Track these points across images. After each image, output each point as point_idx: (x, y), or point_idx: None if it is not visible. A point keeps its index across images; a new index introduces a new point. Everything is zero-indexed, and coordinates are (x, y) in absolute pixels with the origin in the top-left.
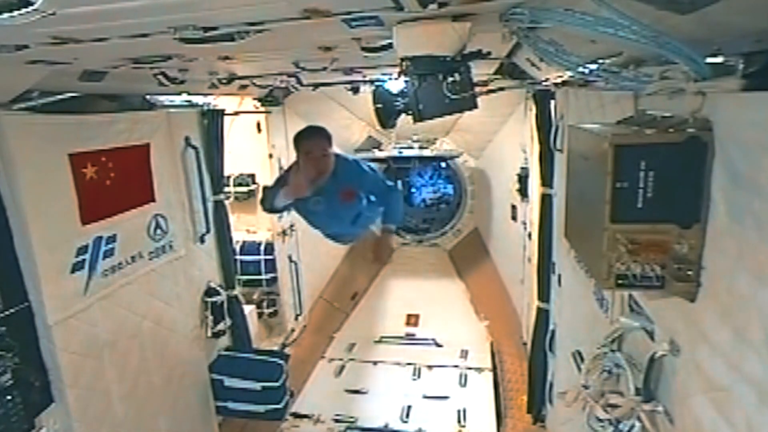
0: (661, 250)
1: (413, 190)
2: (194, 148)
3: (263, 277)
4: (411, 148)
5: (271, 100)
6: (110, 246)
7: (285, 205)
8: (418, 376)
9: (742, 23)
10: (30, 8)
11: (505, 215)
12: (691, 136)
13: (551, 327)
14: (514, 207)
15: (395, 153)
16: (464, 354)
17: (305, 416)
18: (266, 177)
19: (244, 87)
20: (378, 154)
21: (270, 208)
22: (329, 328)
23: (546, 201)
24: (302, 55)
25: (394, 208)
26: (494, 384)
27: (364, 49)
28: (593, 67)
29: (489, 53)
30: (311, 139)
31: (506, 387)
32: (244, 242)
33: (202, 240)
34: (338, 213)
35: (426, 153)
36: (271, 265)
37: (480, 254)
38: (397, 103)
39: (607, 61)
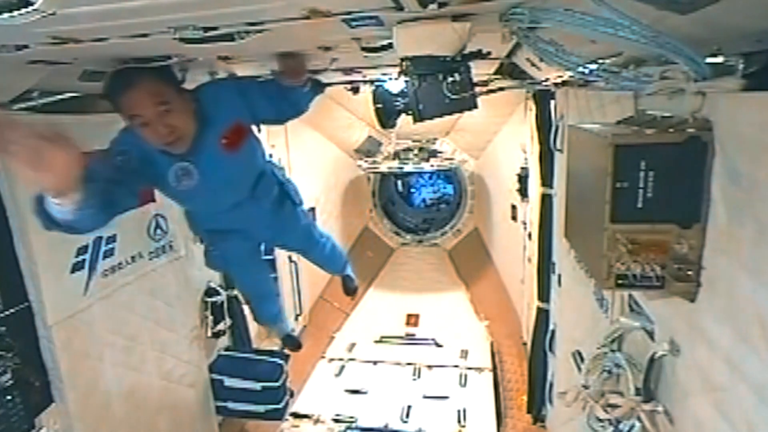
0: (661, 250)
1: (413, 190)
2: None
3: None
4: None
5: None
6: (110, 246)
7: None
8: (418, 376)
9: (742, 23)
10: (30, 8)
11: (505, 215)
12: (691, 136)
13: (551, 327)
14: (514, 207)
15: (396, 169)
16: (464, 354)
17: (305, 416)
18: None
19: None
20: (381, 168)
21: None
22: (329, 328)
23: (546, 201)
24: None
25: (297, 98)
26: (494, 384)
27: (364, 49)
28: (593, 67)
29: (489, 53)
30: (132, 92)
31: (506, 387)
32: None
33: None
34: (226, 176)
35: (427, 166)
36: (271, 265)
37: (480, 254)
38: (397, 103)
39: (607, 61)
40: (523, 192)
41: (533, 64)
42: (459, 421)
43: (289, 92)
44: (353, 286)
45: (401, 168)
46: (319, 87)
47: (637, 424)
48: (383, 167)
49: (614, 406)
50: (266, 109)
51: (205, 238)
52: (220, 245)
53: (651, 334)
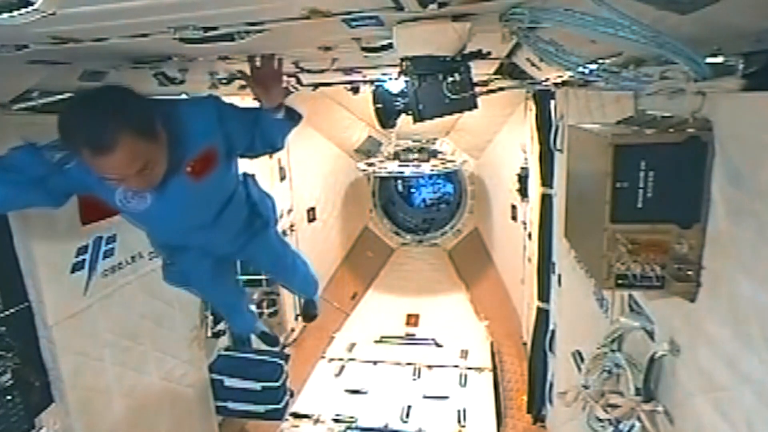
0: (661, 250)
1: (413, 190)
2: None
3: (263, 277)
4: (410, 152)
5: None
6: (110, 246)
7: None
8: (418, 376)
9: (742, 23)
10: (30, 8)
11: (505, 215)
12: (691, 136)
13: (551, 327)
14: (514, 207)
15: (395, 172)
16: (464, 354)
17: (305, 416)
18: (266, 177)
19: (244, 87)
20: (381, 172)
21: None
22: (329, 328)
23: (546, 201)
24: (302, 55)
25: (273, 129)
26: (494, 384)
27: (364, 49)
28: (593, 67)
29: (489, 53)
30: (108, 157)
31: (506, 387)
32: None
33: None
34: (184, 204)
35: (427, 168)
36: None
37: (480, 254)
38: (397, 103)
39: (607, 61)
40: (523, 192)
41: (533, 64)
42: (459, 421)
43: (266, 125)
44: (314, 313)
45: (401, 172)
46: (296, 117)
47: (637, 424)
48: (383, 171)
49: (614, 406)
50: (241, 141)
51: (161, 252)
52: (179, 260)
53: (651, 334)
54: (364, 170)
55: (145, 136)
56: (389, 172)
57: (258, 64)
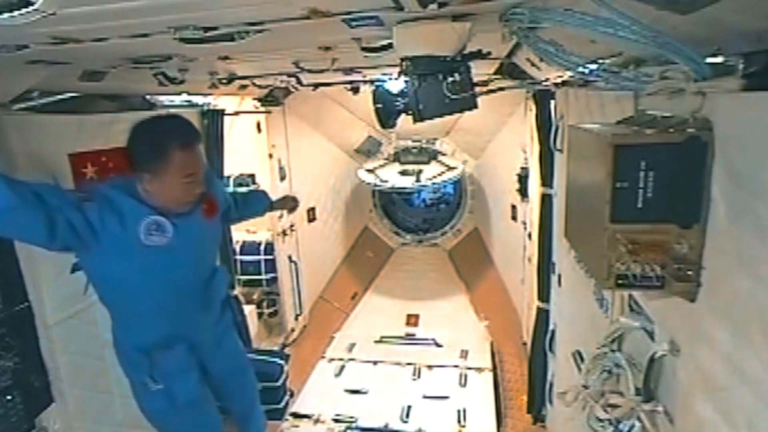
0: (661, 250)
1: None
2: None
3: (263, 277)
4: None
5: (271, 100)
6: None
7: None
8: (418, 376)
9: (742, 23)
10: (30, 8)
11: (505, 215)
12: (691, 136)
13: (551, 327)
14: (514, 207)
15: (387, 187)
16: (464, 354)
17: (305, 416)
18: (266, 177)
19: (244, 87)
20: (383, 187)
21: None
22: (329, 328)
23: (546, 201)
24: (302, 55)
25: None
26: (494, 384)
27: (364, 49)
28: (593, 67)
29: (489, 53)
30: (192, 149)
31: (506, 387)
32: (243, 242)
33: None
34: (196, 242)
35: (429, 175)
36: (271, 265)
37: (480, 254)
38: (397, 103)
39: (607, 61)
40: (523, 192)
41: (533, 64)
42: (459, 421)
43: (252, 199)
44: None
45: (404, 187)
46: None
47: (637, 424)
48: (386, 186)
49: (614, 406)
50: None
51: (137, 362)
52: (163, 366)
53: (651, 334)
54: (368, 183)
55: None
56: (391, 187)
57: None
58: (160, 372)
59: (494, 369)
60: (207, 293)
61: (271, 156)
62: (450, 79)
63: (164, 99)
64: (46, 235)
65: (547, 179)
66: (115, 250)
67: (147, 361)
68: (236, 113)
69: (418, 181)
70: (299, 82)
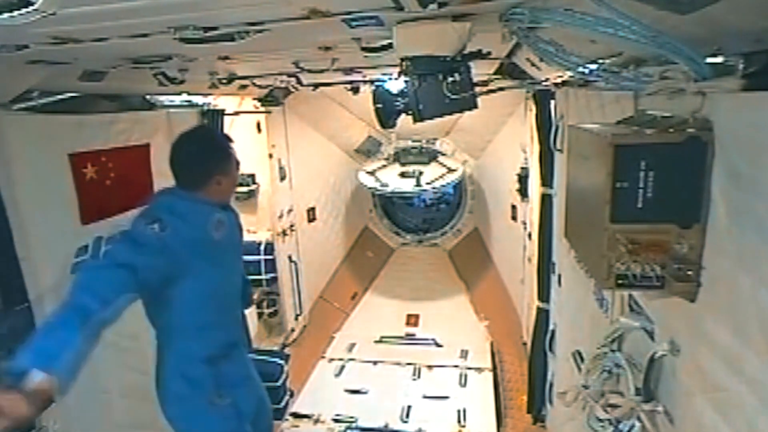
0: (661, 250)
1: None
2: None
3: (263, 277)
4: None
5: (271, 100)
6: (110, 246)
7: None
8: (418, 376)
9: (742, 23)
10: (30, 8)
11: (505, 215)
12: (691, 136)
13: (551, 327)
14: (514, 207)
15: (387, 191)
16: (464, 354)
17: (305, 416)
18: (266, 177)
19: (244, 87)
20: (385, 190)
21: None
22: (329, 328)
23: (546, 201)
24: (302, 55)
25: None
26: (494, 384)
27: (364, 49)
28: (593, 67)
29: (489, 53)
30: (232, 153)
31: (506, 387)
32: (243, 242)
33: None
34: (236, 254)
35: (430, 179)
36: (271, 265)
37: (480, 254)
38: (397, 103)
39: (607, 61)
40: (523, 192)
41: (533, 64)
42: (459, 421)
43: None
44: None
45: (404, 192)
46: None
47: (637, 424)
48: (386, 190)
49: (614, 406)
50: None
51: (201, 379)
52: (227, 380)
53: (651, 334)
54: (369, 187)
55: None
56: (392, 192)
57: None
58: (226, 384)
59: (494, 369)
60: (243, 290)
61: (271, 156)
62: (450, 79)
63: (164, 99)
64: (146, 292)
65: (547, 179)
66: (195, 255)
67: (214, 374)
68: (236, 113)
69: (418, 185)
70: (299, 82)
